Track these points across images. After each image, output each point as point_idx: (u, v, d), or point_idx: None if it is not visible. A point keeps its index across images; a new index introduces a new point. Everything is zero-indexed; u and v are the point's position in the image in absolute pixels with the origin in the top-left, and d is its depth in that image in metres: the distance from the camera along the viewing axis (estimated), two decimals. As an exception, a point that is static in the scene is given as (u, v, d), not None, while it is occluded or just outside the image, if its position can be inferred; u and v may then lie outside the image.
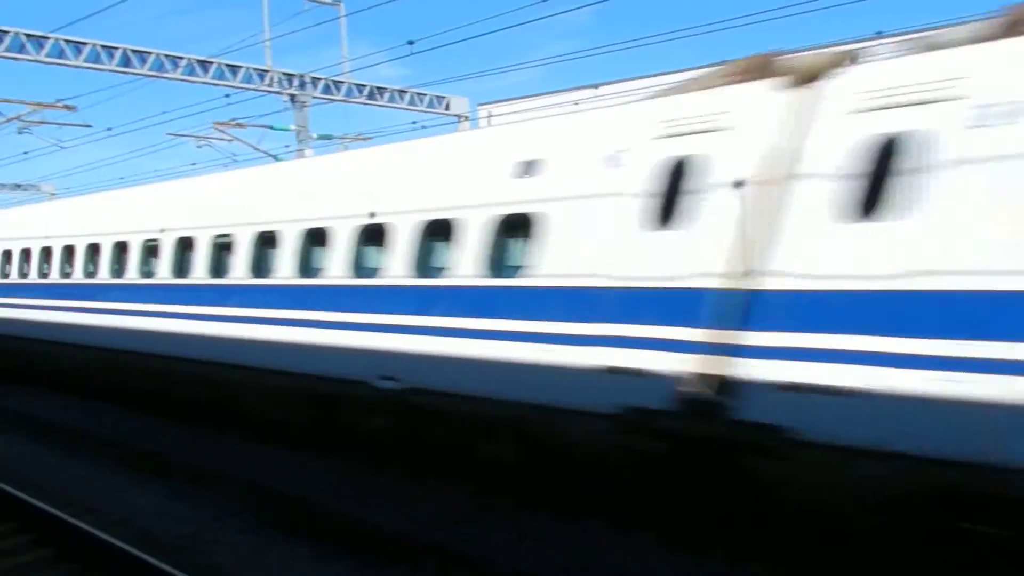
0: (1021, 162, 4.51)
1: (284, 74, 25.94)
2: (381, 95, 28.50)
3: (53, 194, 45.98)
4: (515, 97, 35.64)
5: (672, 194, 6.17)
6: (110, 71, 22.10)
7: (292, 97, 26.26)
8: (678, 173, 6.17)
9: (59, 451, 10.37)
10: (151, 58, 22.89)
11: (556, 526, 6.99)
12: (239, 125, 26.70)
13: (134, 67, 22.54)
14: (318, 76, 26.78)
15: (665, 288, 6.00)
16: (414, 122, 28.15)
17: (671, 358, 5.86)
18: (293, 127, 26.94)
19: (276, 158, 26.29)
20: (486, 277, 7.37)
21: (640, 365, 6.08)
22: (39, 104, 22.67)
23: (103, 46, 21.85)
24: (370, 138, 29.54)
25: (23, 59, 20.69)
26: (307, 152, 26.59)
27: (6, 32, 20.18)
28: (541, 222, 6.99)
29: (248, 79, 25.06)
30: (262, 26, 24.79)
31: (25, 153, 29.78)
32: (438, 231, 7.90)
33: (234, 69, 24.74)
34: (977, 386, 4.43)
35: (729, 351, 5.55)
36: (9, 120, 22.16)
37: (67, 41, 21.22)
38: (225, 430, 10.76)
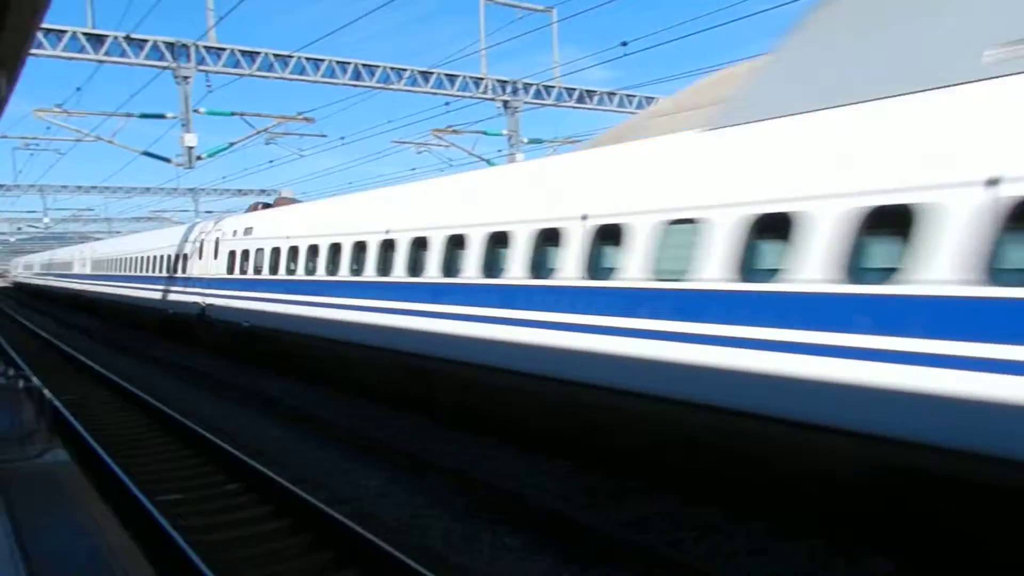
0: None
1: (498, 81, 26.85)
2: (590, 98, 28.71)
3: (293, 199, 50.66)
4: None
5: None
6: (343, 84, 23.99)
7: (505, 103, 27.12)
8: None
9: (296, 433, 11.41)
10: (379, 71, 24.59)
11: (775, 544, 6.69)
12: (455, 131, 27.98)
13: (364, 80, 24.31)
14: (529, 82, 27.46)
15: None
16: (623, 124, 28.04)
17: None
18: (505, 132, 27.81)
19: (489, 162, 27.27)
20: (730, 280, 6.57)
21: None
22: (283, 117, 25.06)
23: (338, 62, 23.76)
24: (579, 141, 29.84)
25: (271, 77, 22.97)
26: (518, 156, 27.34)
27: (258, 53, 22.50)
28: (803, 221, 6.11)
29: (464, 87, 26.20)
30: (478, 36, 25.79)
31: (271, 162, 33.12)
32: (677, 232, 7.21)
33: (452, 78, 25.97)
34: None
35: None
36: (258, 132, 24.68)
37: (307, 59, 23.30)
38: (439, 422, 11.31)
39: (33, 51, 11.19)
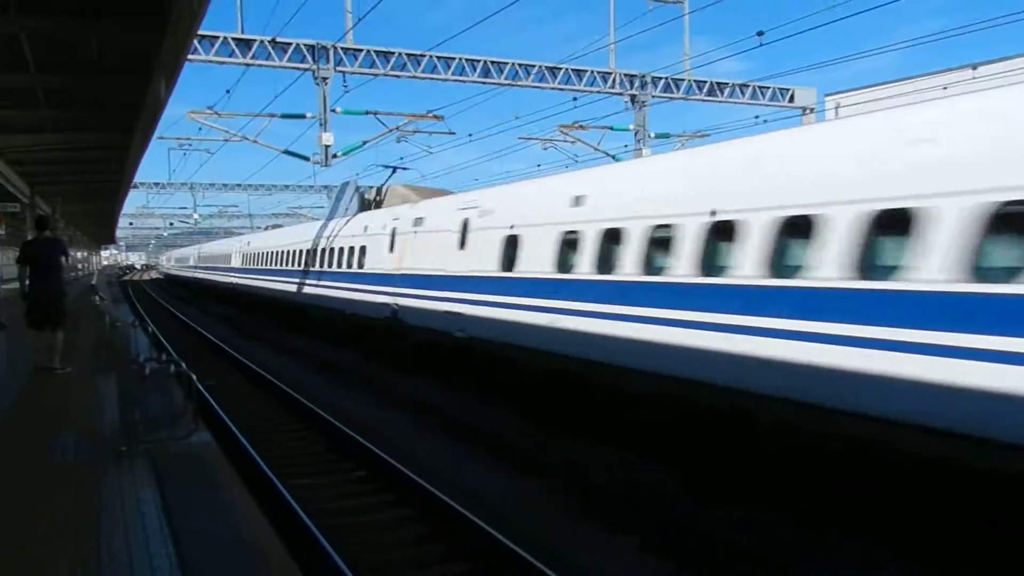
0: None
1: (626, 75, 26.59)
2: (721, 91, 27.97)
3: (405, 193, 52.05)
4: (866, 86, 32.83)
5: None
6: (472, 82, 24.42)
7: (632, 98, 26.82)
8: None
9: (424, 430, 11.73)
10: (507, 68, 24.87)
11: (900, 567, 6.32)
12: (581, 127, 27.91)
13: (492, 77, 24.66)
14: (658, 75, 27.05)
15: None
16: (756, 116, 27.23)
17: None
18: (631, 127, 27.52)
19: (614, 158, 27.05)
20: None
21: None
22: (414, 115, 25.76)
23: (467, 60, 24.21)
24: (707, 135, 29.14)
25: (404, 76, 23.66)
26: (644, 151, 27.00)
27: (392, 53, 23.24)
28: None
29: (592, 82, 26.10)
30: (607, 30, 25.60)
31: (401, 159, 34.10)
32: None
33: (580, 73, 25.93)
34: None
35: None
36: (390, 131, 25.46)
37: (439, 57, 23.86)
38: (542, 417, 11.34)
39: (188, 56, 11.97)
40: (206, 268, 47.55)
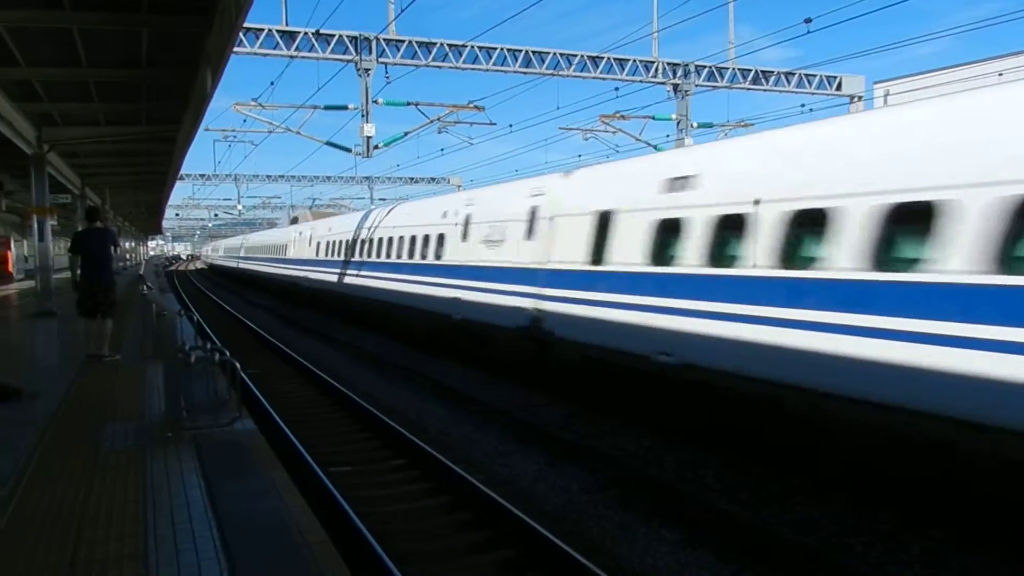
0: None
1: (669, 64, 26.37)
2: (766, 79, 27.59)
3: (459, 186, 52.37)
4: (916, 73, 32.07)
5: None
6: (513, 72, 24.44)
7: (675, 87, 26.59)
8: None
9: (458, 414, 11.85)
10: (549, 58, 24.84)
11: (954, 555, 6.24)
12: (622, 117, 27.79)
13: (534, 67, 24.65)
14: (702, 63, 26.78)
15: None
16: (802, 105, 26.82)
17: None
18: (674, 116, 27.29)
19: (656, 148, 26.88)
20: None
21: None
22: (455, 106, 25.89)
23: (509, 49, 24.22)
24: (751, 124, 28.80)
25: (446, 66, 23.77)
26: (687, 141, 26.77)
27: (434, 44, 23.36)
28: None
29: (634, 71, 25.95)
30: (650, 18, 25.39)
31: (441, 150, 34.44)
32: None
33: (622, 63, 25.79)
34: None
35: None
36: (431, 122, 25.64)
37: (480, 48, 23.92)
38: (597, 410, 11.37)
39: (234, 49, 12.21)
40: (258, 259, 43.94)
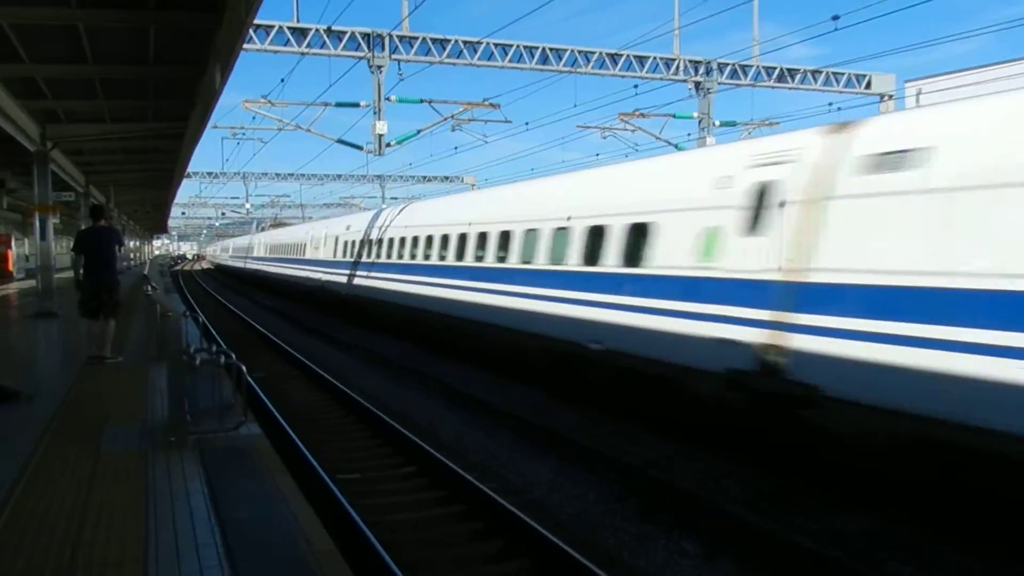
0: None
1: (690, 61, 26.30)
2: (792, 77, 27.47)
3: (473, 185, 52.46)
4: (950, 71, 31.83)
5: None
6: (530, 69, 24.44)
7: (697, 84, 26.52)
8: None
9: (466, 417, 11.83)
10: (566, 54, 24.83)
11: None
12: (642, 115, 27.74)
13: (551, 64, 24.64)
14: (725, 61, 26.69)
15: None
16: (830, 104, 26.67)
17: None
18: (695, 115, 27.21)
19: (676, 147, 26.82)
20: None
21: None
22: (469, 103, 25.92)
23: (525, 47, 24.23)
24: (776, 123, 28.67)
25: (460, 63, 23.81)
26: (709, 140, 26.68)
27: (448, 40, 23.40)
28: None
29: (655, 69, 25.89)
30: (671, 15, 25.35)
31: (455, 148, 34.40)
32: None
33: (642, 60, 25.74)
34: None
35: None
36: (445, 119, 25.70)
37: (495, 44, 23.94)
38: (615, 415, 11.34)
39: (244, 46, 12.26)
40: (275, 260, 40.30)
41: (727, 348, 8.51)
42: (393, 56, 22.88)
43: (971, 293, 6.29)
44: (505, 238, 14.65)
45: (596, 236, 11.61)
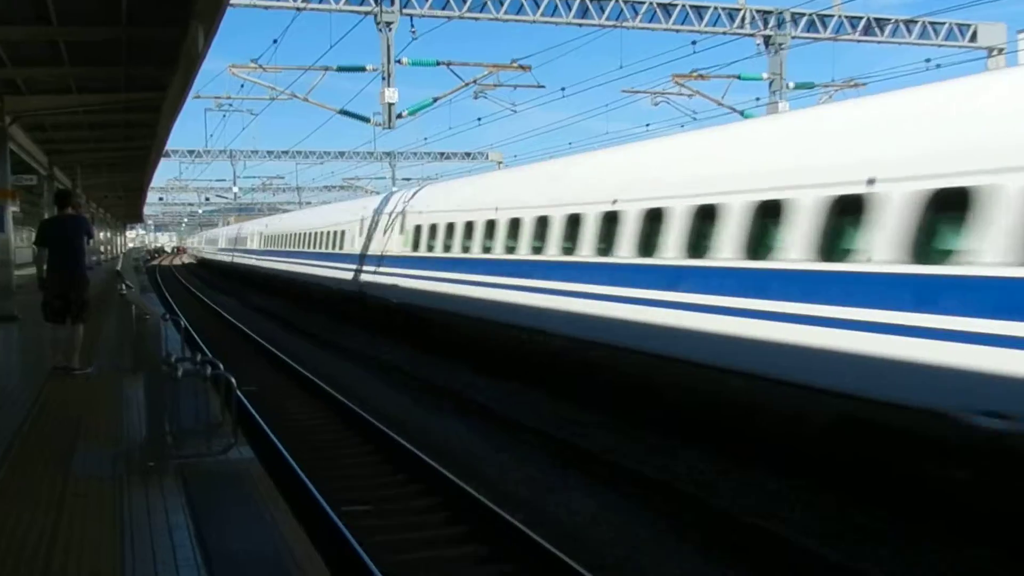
0: None
1: (758, 12, 26.12)
2: (881, 29, 27.17)
3: (500, 163, 52.52)
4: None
5: None
6: (566, 24, 24.44)
7: (766, 40, 26.32)
8: None
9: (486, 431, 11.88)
10: (609, 6, 24.75)
11: None
12: (700, 77, 27.59)
13: (592, 18, 24.60)
14: (800, 11, 26.45)
15: None
16: (927, 60, 26.33)
17: None
18: (765, 75, 27.02)
19: (742, 115, 26.65)
20: None
21: None
22: (495, 66, 25.94)
23: (560, -2, 24.23)
24: (863, 84, 28.36)
25: (483, 18, 23.86)
26: (781, 106, 26.46)
27: (469, -9, 23.46)
28: None
29: (715, 21, 25.75)
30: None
31: (479, 119, 34.31)
32: None
33: (700, 11, 25.59)
34: None
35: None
36: (467, 84, 25.75)
37: (524, -5, 23.95)
38: (641, 425, 11.40)
39: (231, 1, 12.37)
40: (282, 255, 37.56)
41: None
42: (404, 11, 22.98)
43: None
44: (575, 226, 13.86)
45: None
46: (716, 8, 25.72)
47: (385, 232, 23.41)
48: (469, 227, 17.92)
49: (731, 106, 27.63)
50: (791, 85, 27.12)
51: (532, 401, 14.04)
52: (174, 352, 8.46)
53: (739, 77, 27.68)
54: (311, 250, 32.13)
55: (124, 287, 20.48)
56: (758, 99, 27.82)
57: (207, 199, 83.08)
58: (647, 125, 34.15)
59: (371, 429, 12.02)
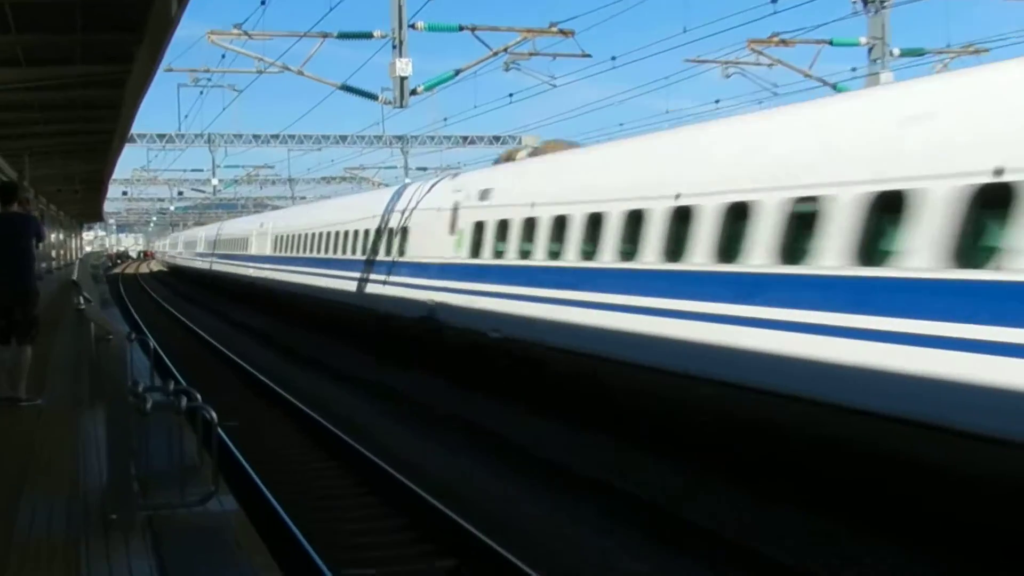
0: None
1: (855, -38, 25.96)
2: (1007, -17, 26.90)
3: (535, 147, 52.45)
4: None
5: None
6: (616, -21, 24.40)
7: (865, -4, 26.13)
8: None
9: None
10: (669, -44, 24.71)
11: None
12: (783, 43, 27.44)
13: (647, -29, 24.56)
14: (906, -39, 26.28)
15: None
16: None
17: None
18: (863, 40, 26.80)
19: (835, 88, 26.47)
20: None
21: None
22: (530, 31, 25.91)
23: (609, -54, 24.24)
24: (985, 51, 28.08)
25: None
26: (883, 76, 26.25)
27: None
28: None
29: (800, -25, 25.60)
30: None
31: (510, 96, 33.96)
32: None
33: (781, -38, 25.48)
34: None
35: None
36: (495, 53, 25.69)
37: (566, -56, 23.98)
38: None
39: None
40: (292, 261, 34.04)
41: None
42: (420, -36, 23.05)
43: None
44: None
45: None
46: (802, -42, 25.64)
47: (507, 229, 18.51)
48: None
49: (821, 78, 27.43)
50: (896, 52, 26.83)
51: (579, 442, 13.97)
52: (142, 380, 8.49)
53: (831, 43, 27.48)
54: (347, 256, 27.75)
55: (81, 301, 20.66)
56: (854, 69, 27.65)
57: (180, 193, 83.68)
58: (716, 101, 33.91)
59: (374, 471, 12.01)
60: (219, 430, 7.44)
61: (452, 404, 17.12)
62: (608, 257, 14.38)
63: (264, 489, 10.94)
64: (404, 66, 23.02)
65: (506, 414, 16.00)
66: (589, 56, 26.59)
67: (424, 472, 12.52)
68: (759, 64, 27.98)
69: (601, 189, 15.38)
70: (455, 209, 20.68)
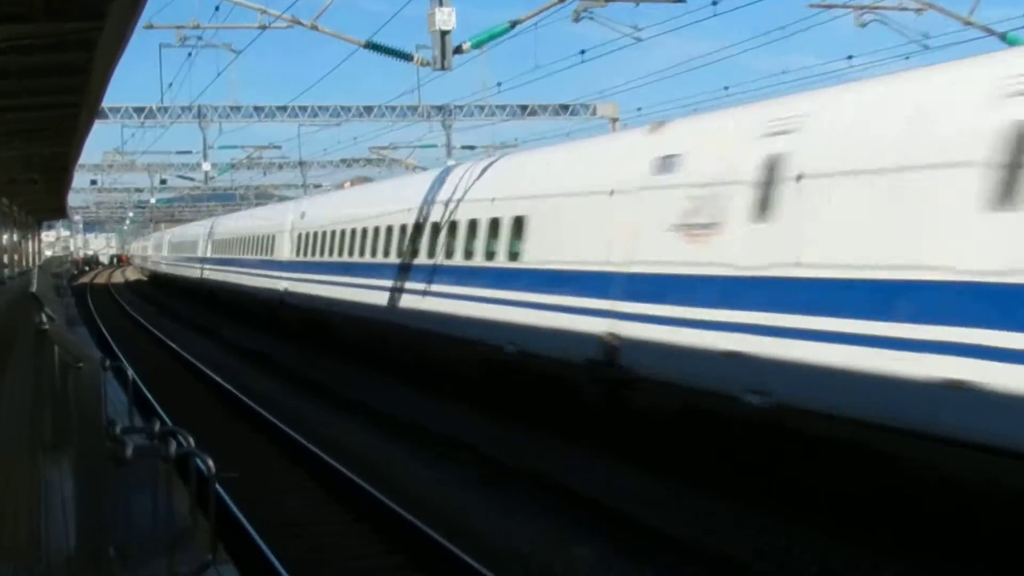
0: None
1: None
2: None
3: (615, 119, 52.18)
4: None
5: None
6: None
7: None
8: None
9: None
10: None
11: None
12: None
13: None
14: None
15: None
16: None
17: None
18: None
19: (1004, 38, 26.20)
20: None
21: None
22: (607, -29, 25.93)
23: None
24: None
25: None
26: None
27: None
28: None
29: None
30: None
31: (582, 53, 33.76)
32: None
33: None
34: None
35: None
36: (562, 0, 25.68)
37: None
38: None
39: None
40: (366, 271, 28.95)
41: None
42: None
43: None
44: None
45: None
46: None
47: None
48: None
49: (986, 26, 27.11)
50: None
51: (665, 495, 13.98)
52: (119, 419, 8.56)
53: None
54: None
55: (44, 318, 21.01)
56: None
57: (164, 181, 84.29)
58: (849, 57, 33.65)
59: (427, 544, 12.05)
60: (218, 486, 7.49)
61: (476, 437, 17.16)
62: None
63: (272, 558, 11.01)
64: (446, 17, 23.03)
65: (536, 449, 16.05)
66: (683, 1, 26.51)
67: (452, 519, 12.60)
68: (904, 8, 27.78)
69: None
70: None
